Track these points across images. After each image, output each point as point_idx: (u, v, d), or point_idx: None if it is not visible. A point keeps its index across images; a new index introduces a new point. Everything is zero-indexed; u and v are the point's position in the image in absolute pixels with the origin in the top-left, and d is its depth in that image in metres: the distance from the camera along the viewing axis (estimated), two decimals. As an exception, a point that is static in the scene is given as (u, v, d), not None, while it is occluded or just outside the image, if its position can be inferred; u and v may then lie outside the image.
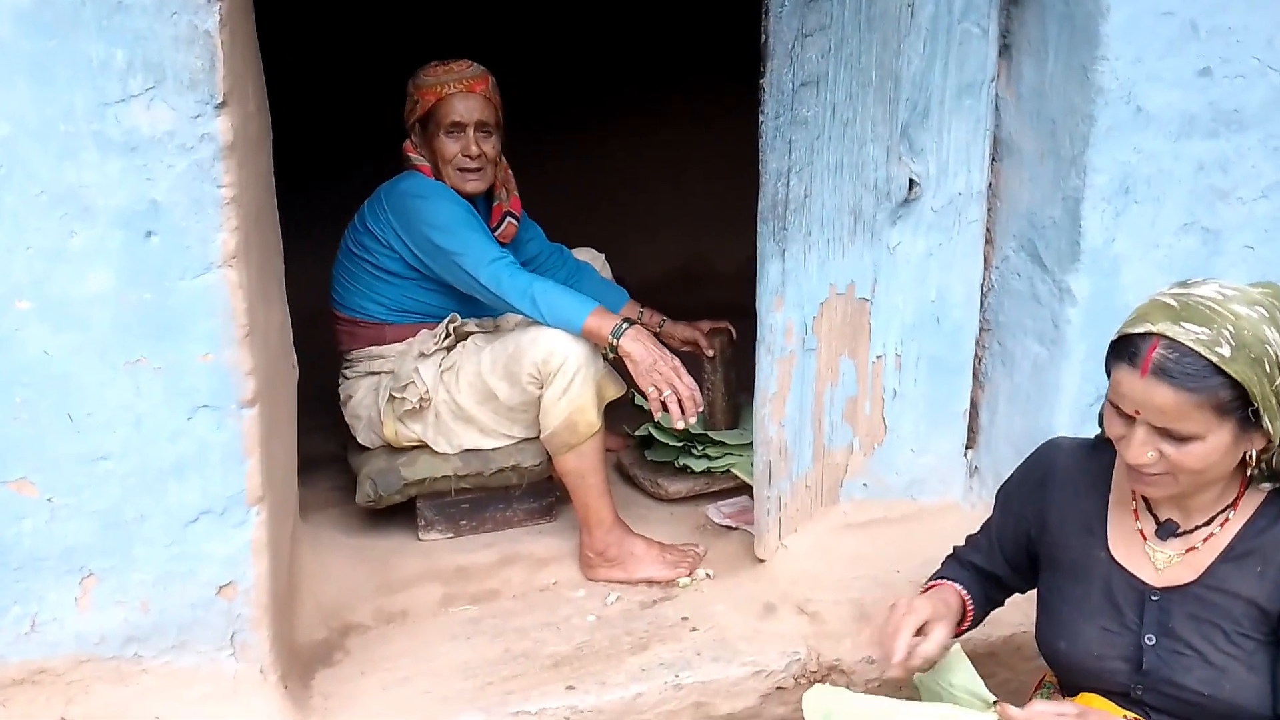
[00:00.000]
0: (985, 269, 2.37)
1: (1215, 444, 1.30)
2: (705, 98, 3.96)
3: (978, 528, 1.74)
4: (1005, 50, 2.24)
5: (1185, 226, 2.19)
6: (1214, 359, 1.26)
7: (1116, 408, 1.35)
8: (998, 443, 2.40)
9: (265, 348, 1.85)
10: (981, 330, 2.40)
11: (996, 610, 1.74)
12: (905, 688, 1.76)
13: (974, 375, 2.42)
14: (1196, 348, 1.27)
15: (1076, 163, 2.12)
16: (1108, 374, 1.37)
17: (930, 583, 1.69)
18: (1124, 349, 1.33)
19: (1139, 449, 1.32)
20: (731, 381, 2.76)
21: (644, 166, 4.05)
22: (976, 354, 2.41)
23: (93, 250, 1.62)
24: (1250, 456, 1.35)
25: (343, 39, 3.79)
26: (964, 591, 1.64)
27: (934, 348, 2.36)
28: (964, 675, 1.53)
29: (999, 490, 1.70)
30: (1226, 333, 1.27)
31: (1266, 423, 1.29)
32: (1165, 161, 2.14)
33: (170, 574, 1.75)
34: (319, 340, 2.55)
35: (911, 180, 2.24)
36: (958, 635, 1.60)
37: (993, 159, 2.31)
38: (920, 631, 1.52)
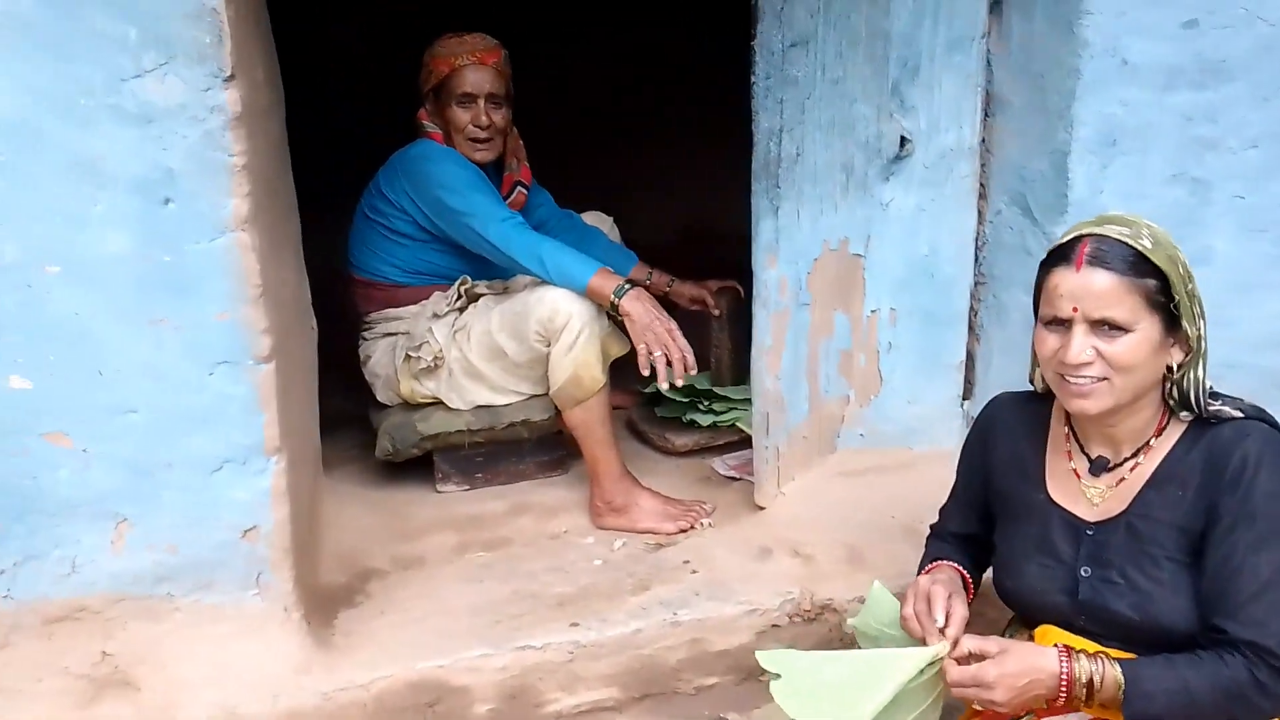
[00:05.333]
0: (979, 223, 2.42)
1: (1144, 337, 1.40)
2: (710, 54, 3.99)
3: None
4: (995, 6, 2.28)
5: (1174, 177, 2.22)
6: (1139, 248, 1.40)
7: (1051, 321, 1.44)
8: (992, 393, 2.42)
9: (279, 307, 1.96)
10: (976, 283, 2.46)
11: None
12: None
13: (970, 327, 2.48)
14: (1123, 239, 1.41)
15: (1063, 116, 2.16)
16: (1037, 296, 1.48)
17: (926, 567, 1.75)
18: (1057, 256, 1.46)
19: (1078, 349, 1.41)
20: (739, 339, 2.83)
21: (650, 129, 4.11)
22: (972, 306, 2.47)
23: (114, 216, 1.73)
24: (1173, 369, 1.44)
25: (365, 12, 3.88)
26: (961, 569, 1.70)
27: (927, 301, 2.42)
28: (892, 612, 1.60)
29: (960, 453, 1.77)
30: (1145, 231, 1.42)
31: (1185, 325, 1.41)
32: (1151, 113, 2.17)
33: (196, 518, 1.88)
34: (344, 304, 2.67)
35: (903, 137, 2.29)
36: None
37: (985, 114, 2.36)
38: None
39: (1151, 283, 1.40)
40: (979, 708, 1.49)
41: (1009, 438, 1.64)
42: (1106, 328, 1.40)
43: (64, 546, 1.85)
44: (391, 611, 2.11)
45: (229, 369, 1.84)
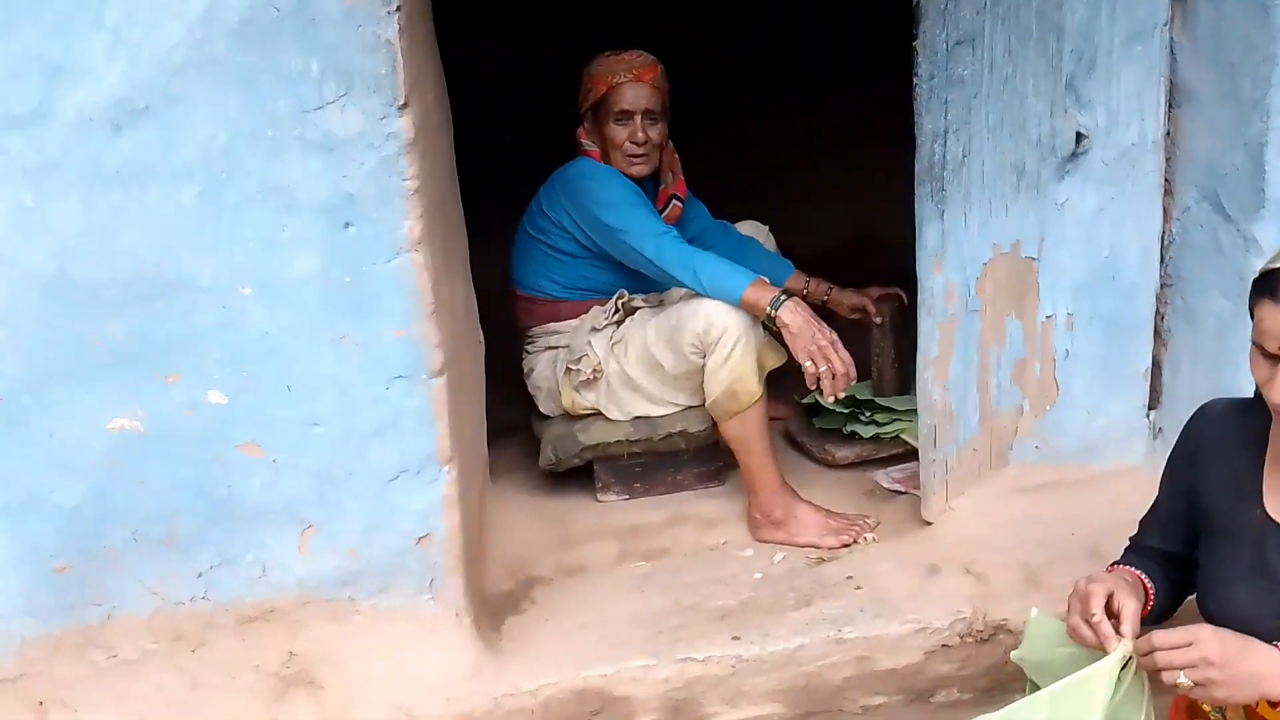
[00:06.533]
0: (1165, 222, 2.27)
1: None
2: (870, 59, 3.91)
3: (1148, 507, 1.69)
4: (1179, -8, 2.14)
5: (1388, 166, 2.03)
6: None
7: (1261, 349, 1.31)
8: (1182, 403, 2.29)
9: (451, 323, 2.03)
10: (1162, 286, 2.31)
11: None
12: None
13: (1156, 333, 2.33)
14: None
15: (1259, 106, 2.01)
16: (1251, 316, 1.33)
17: (1108, 568, 1.64)
18: (1265, 284, 1.31)
19: None
20: (902, 347, 2.75)
21: (810, 134, 4.06)
22: (1158, 311, 2.32)
23: (300, 240, 1.84)
24: None
25: (523, 39, 3.99)
26: (1140, 574, 1.58)
27: (1108, 306, 2.28)
28: (1058, 632, 1.49)
29: (1165, 466, 1.65)
30: None
31: None
32: (1362, 98, 1.99)
33: (375, 525, 1.97)
34: (508, 318, 2.75)
35: (1079, 133, 2.18)
36: (1142, 619, 1.52)
37: (1170, 106, 2.21)
38: (1108, 608, 1.45)
39: None
40: (1193, 692, 1.34)
41: (1221, 451, 1.50)
42: None
43: (255, 550, 1.97)
44: (556, 619, 2.15)
45: (405, 383, 1.91)
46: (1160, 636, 1.35)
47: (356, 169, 1.81)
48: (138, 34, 1.70)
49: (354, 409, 1.92)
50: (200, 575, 1.96)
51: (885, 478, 2.58)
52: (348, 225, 1.84)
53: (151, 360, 1.85)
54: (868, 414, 2.66)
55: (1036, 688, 1.52)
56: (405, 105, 1.79)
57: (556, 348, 2.62)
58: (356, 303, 1.87)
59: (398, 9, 1.75)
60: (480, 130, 2.72)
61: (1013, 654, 1.62)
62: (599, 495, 2.58)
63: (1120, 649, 1.38)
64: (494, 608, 2.16)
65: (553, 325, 2.64)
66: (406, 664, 1.95)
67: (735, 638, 2.02)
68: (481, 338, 2.42)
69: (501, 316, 2.73)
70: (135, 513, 1.91)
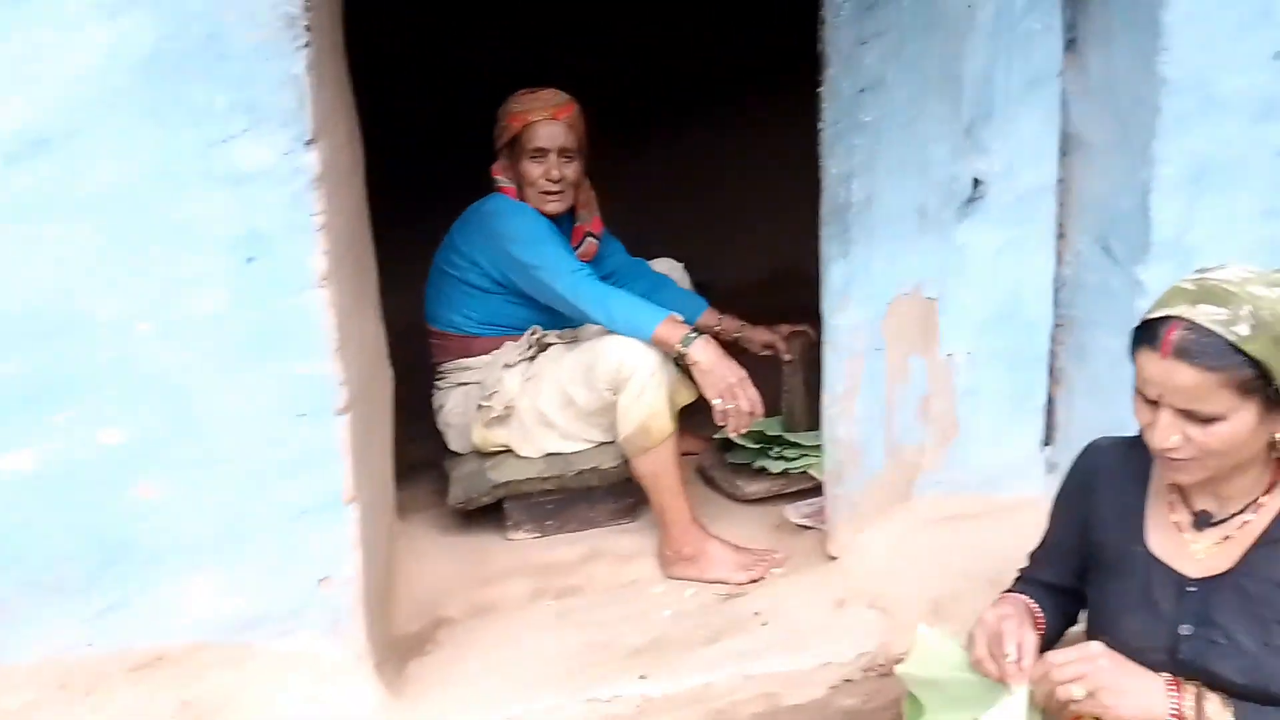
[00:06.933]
0: (1059, 263, 2.36)
1: (1239, 425, 1.30)
2: (787, 96, 4.01)
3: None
4: (1071, 44, 2.24)
5: (1265, 213, 2.15)
6: (1232, 338, 1.28)
7: (1142, 395, 1.36)
8: (1076, 437, 2.36)
9: (359, 359, 2.00)
10: (1056, 325, 2.39)
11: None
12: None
13: (1050, 370, 2.42)
14: (1214, 327, 1.29)
15: (1145, 154, 2.11)
16: (1132, 362, 1.38)
17: (999, 597, 1.68)
18: (1145, 334, 1.35)
19: (1164, 433, 1.33)
20: (812, 384, 2.80)
21: (728, 170, 4.13)
22: (1052, 349, 2.40)
23: (204, 275, 1.80)
24: (1278, 439, 1.34)
25: (437, 71, 3.99)
26: (1031, 602, 1.63)
27: (1007, 344, 2.36)
28: (956, 655, 1.55)
29: (1053, 500, 1.71)
30: (1245, 312, 1.28)
31: None
32: (1241, 148, 2.10)
33: (275, 567, 1.92)
34: (422, 354, 2.73)
35: (976, 179, 2.26)
36: None
37: (1063, 153, 2.31)
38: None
39: (1247, 372, 1.28)
40: (1084, 706, 1.39)
41: (1109, 486, 1.56)
42: (1194, 415, 1.31)
43: (149, 594, 1.90)
44: (462, 661, 2.12)
45: (309, 420, 1.88)
46: (1055, 656, 1.40)
47: (263, 204, 1.78)
48: (38, 66, 1.66)
49: (255, 447, 1.87)
50: (90, 621, 1.88)
51: (794, 512, 2.61)
52: (251, 260, 1.80)
53: (45, 399, 1.78)
54: (777, 449, 2.70)
55: (917, 702, 1.61)
56: (313, 140, 1.77)
57: (468, 384, 2.61)
58: (261, 339, 1.83)
59: (306, 45, 1.74)
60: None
61: (898, 668, 1.67)
62: (509, 534, 2.56)
63: (1024, 689, 1.43)
64: (400, 650, 2.12)
65: (465, 361, 2.62)
66: (306, 711, 1.90)
67: (643, 677, 2.01)
68: (391, 374, 2.39)
69: (413, 352, 2.70)
70: (22, 556, 1.83)
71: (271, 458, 1.88)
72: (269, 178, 1.77)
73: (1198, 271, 1.38)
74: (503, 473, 2.51)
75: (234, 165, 1.76)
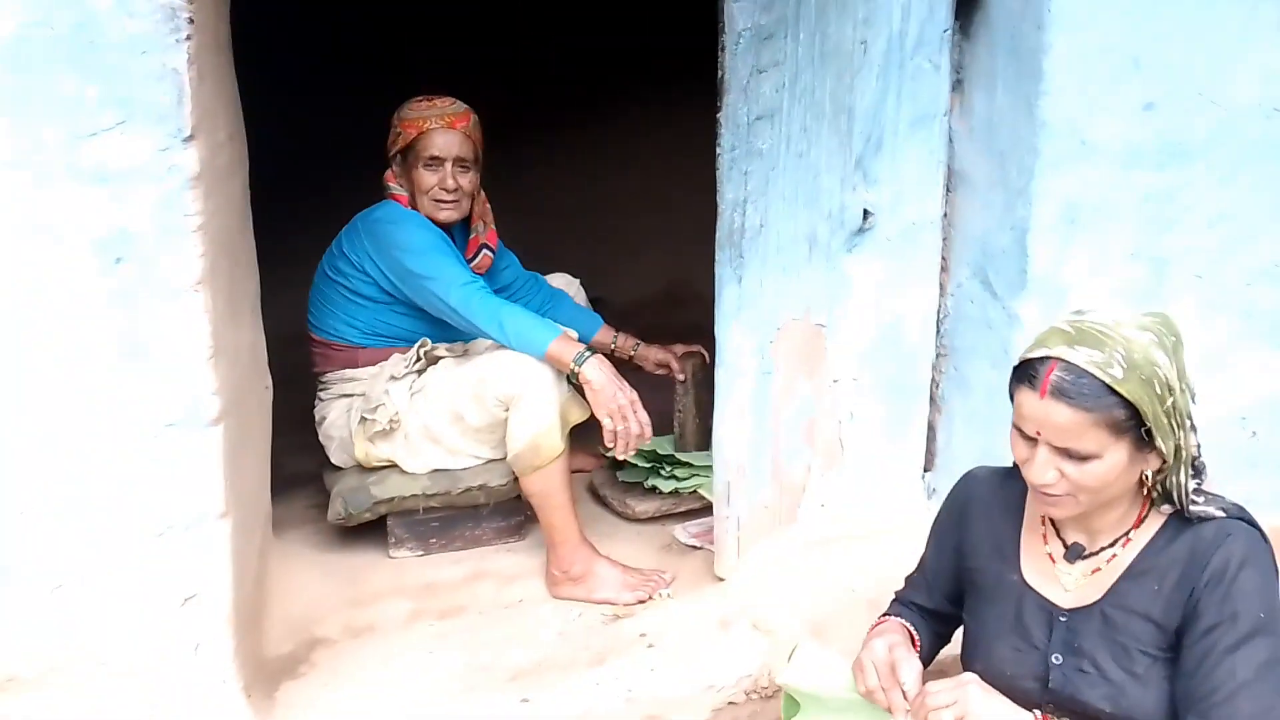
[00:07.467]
0: (941, 295, 2.44)
1: (1112, 463, 1.36)
2: (688, 116, 4.05)
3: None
4: (958, 84, 2.32)
5: (1133, 255, 2.25)
6: (1107, 379, 1.32)
7: (1020, 431, 1.41)
8: (955, 465, 2.44)
9: (234, 368, 1.92)
10: (938, 355, 2.46)
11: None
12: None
13: (931, 399, 2.48)
14: (1090, 369, 1.33)
15: (1024, 193, 2.19)
16: (1011, 399, 1.43)
17: (878, 620, 1.72)
18: (1025, 373, 1.39)
19: (1041, 469, 1.38)
20: (704, 404, 2.81)
21: (626, 187, 4.14)
22: (934, 378, 2.47)
23: (67, 276, 1.70)
24: (1146, 477, 1.41)
25: (329, 70, 3.90)
26: (908, 624, 1.67)
27: (891, 372, 2.42)
28: (843, 676, 1.57)
29: (931, 526, 1.75)
30: (1118, 355, 1.33)
31: (1159, 442, 1.35)
32: (1111, 192, 2.20)
33: (136, 585, 1.82)
34: (303, 363, 2.64)
35: (865, 210, 2.31)
36: None
37: (948, 189, 2.38)
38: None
39: (1119, 413, 1.32)
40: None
41: (984, 516, 1.60)
42: (1070, 453, 1.36)
43: (1, 614, 1.78)
44: (336, 684, 2.04)
45: (178, 431, 1.80)
46: (933, 686, 1.43)
47: (134, 202, 1.70)
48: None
49: (120, 459, 1.78)
50: (-72, 643, 1.76)
51: (683, 532, 2.61)
52: (119, 261, 1.72)
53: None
54: (669, 469, 2.70)
55: (795, 705, 1.63)
56: (191, 137, 1.70)
57: (351, 395, 2.53)
58: (129, 345, 1.75)
59: (188, 38, 1.66)
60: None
61: (778, 678, 1.68)
62: (392, 551, 2.49)
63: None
64: (270, 673, 2.04)
65: (349, 372, 2.54)
66: (167, 737, 1.80)
67: (525, 700, 1.98)
68: (270, 383, 2.30)
69: (297, 361, 2.61)
70: None
71: (137, 470, 1.79)
72: (141, 175, 1.69)
73: (1074, 313, 1.43)
74: (386, 488, 2.44)
75: (104, 161, 1.67)
